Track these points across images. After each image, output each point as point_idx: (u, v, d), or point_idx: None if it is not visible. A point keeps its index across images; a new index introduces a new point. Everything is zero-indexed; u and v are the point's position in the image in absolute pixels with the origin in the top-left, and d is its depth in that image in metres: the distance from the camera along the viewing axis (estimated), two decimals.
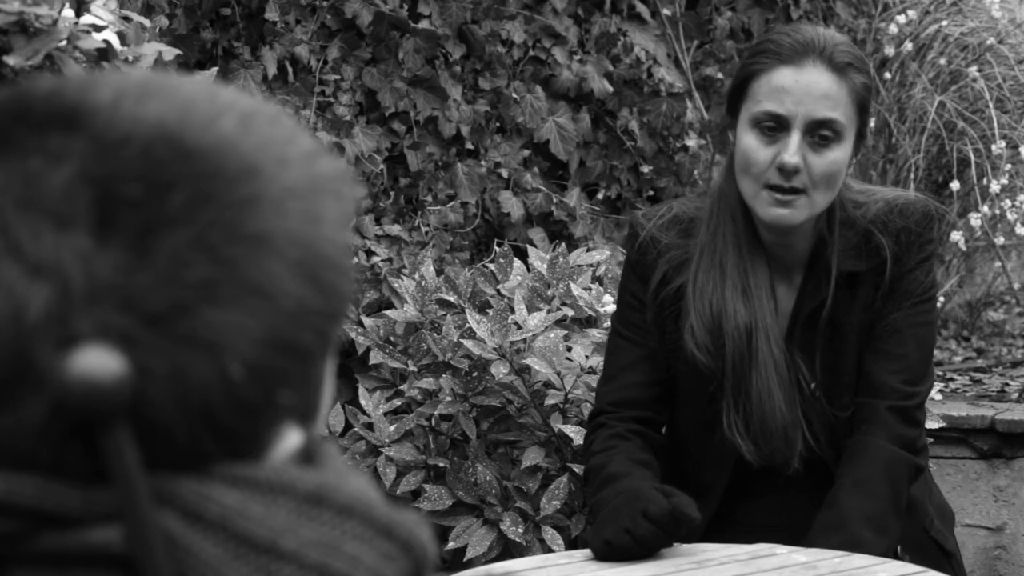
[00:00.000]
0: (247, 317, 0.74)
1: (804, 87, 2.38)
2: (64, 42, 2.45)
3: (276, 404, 0.76)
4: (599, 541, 2.30)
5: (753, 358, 2.44)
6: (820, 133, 2.38)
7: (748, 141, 2.40)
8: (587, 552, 2.34)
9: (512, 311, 3.74)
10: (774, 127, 2.39)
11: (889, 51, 5.42)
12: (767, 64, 2.40)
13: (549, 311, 3.79)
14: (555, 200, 4.79)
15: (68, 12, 2.48)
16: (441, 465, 3.75)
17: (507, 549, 3.66)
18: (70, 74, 2.22)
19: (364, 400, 3.90)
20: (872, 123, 5.31)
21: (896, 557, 2.41)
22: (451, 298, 3.91)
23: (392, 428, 3.81)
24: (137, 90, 0.77)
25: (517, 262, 4.01)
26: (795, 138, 2.37)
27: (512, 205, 4.71)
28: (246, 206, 0.75)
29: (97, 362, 0.71)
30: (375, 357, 3.89)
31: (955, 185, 5.09)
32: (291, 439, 0.79)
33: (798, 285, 2.50)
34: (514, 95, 4.76)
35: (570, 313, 3.84)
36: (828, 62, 2.39)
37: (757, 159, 2.39)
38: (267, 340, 0.75)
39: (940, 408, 4.30)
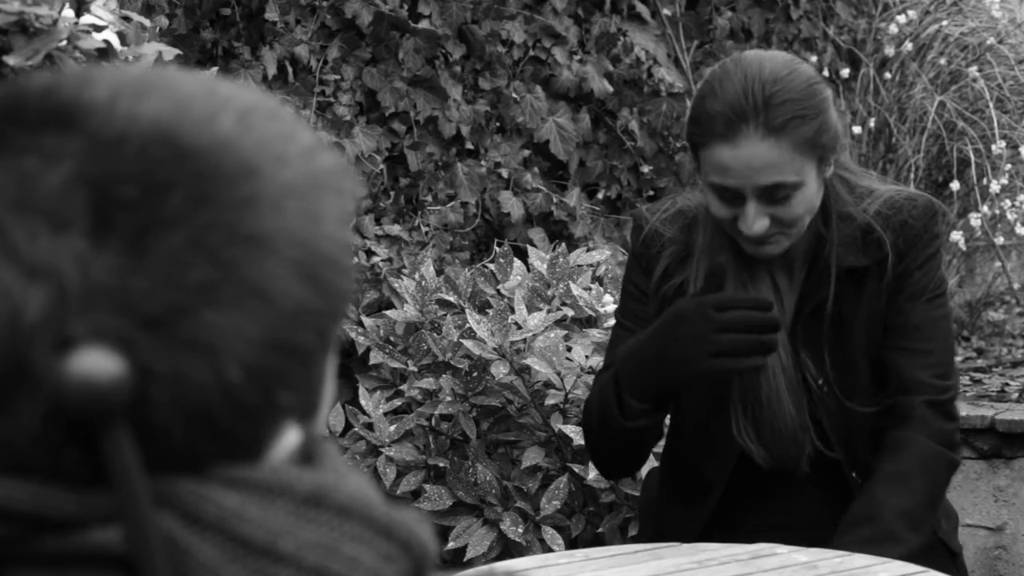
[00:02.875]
0: (246, 319, 0.74)
1: (743, 162, 2.29)
2: (64, 42, 2.45)
3: (276, 405, 0.76)
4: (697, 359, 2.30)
5: (765, 364, 2.43)
6: (773, 194, 2.32)
7: (711, 200, 2.36)
8: (587, 552, 2.34)
9: (512, 311, 3.74)
10: (730, 196, 2.34)
11: (889, 51, 5.42)
12: (704, 139, 2.32)
13: (549, 311, 3.79)
14: (555, 200, 4.79)
15: (68, 12, 2.48)
16: (441, 465, 3.75)
17: (507, 549, 3.66)
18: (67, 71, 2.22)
19: (364, 400, 3.90)
20: (872, 123, 5.31)
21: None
22: (451, 298, 3.90)
23: (392, 428, 3.81)
24: (134, 87, 0.77)
25: (517, 262, 4.02)
26: (751, 208, 2.32)
27: (512, 205, 4.71)
28: (245, 206, 0.75)
29: (95, 363, 0.71)
30: (375, 357, 3.89)
31: (955, 185, 5.09)
32: (291, 439, 0.79)
33: (800, 282, 2.49)
34: (514, 95, 4.76)
35: (570, 313, 3.84)
36: (764, 128, 2.29)
37: (722, 217, 2.36)
38: (266, 341, 0.74)
39: None
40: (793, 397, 2.44)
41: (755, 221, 2.32)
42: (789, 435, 2.45)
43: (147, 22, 2.72)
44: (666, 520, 2.58)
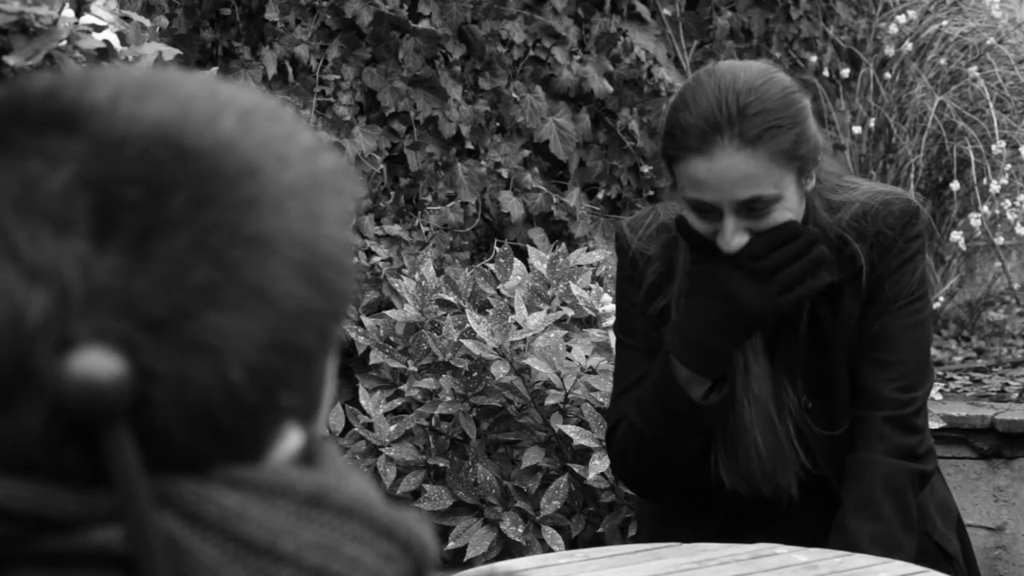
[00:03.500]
0: (248, 320, 0.74)
1: (719, 176, 2.24)
2: (64, 42, 2.46)
3: (277, 406, 0.76)
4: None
5: (736, 397, 2.40)
6: (751, 208, 2.28)
7: (689, 215, 2.33)
8: (587, 552, 2.34)
9: (512, 311, 3.74)
10: (707, 210, 2.29)
11: (889, 51, 5.42)
12: (679, 153, 2.27)
13: (549, 311, 3.79)
14: (555, 200, 4.79)
15: (68, 12, 2.49)
16: (441, 465, 3.75)
17: (507, 549, 3.66)
18: (68, 72, 2.22)
19: (364, 400, 3.90)
20: (872, 123, 5.31)
21: None
22: (451, 298, 3.91)
23: (392, 428, 3.81)
24: (135, 89, 0.77)
25: (517, 262, 4.02)
26: (729, 223, 2.28)
27: (512, 205, 4.71)
28: (247, 207, 0.75)
29: (96, 363, 0.71)
30: (375, 357, 3.90)
31: (955, 185, 5.09)
32: (292, 439, 0.79)
33: None
34: (514, 95, 4.76)
35: (570, 313, 3.84)
36: (739, 139, 2.23)
37: (702, 230, 2.32)
38: (268, 342, 0.75)
39: (940, 408, 4.30)
40: (767, 426, 2.40)
41: (733, 237, 2.28)
42: (766, 467, 2.41)
43: (147, 22, 2.72)
44: (664, 528, 2.55)
